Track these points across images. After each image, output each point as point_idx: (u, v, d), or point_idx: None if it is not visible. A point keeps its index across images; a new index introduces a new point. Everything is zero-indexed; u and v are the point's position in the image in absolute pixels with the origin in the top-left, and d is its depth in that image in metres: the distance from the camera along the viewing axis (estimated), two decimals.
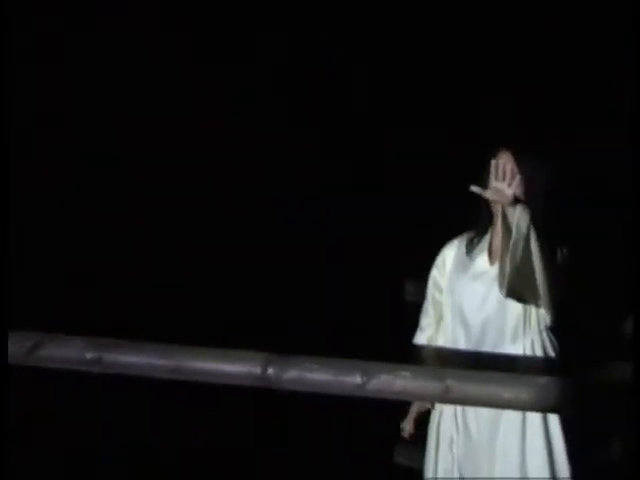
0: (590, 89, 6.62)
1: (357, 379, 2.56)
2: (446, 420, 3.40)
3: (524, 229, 3.13)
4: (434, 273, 3.54)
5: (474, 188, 3.20)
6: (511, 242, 3.13)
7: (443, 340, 3.49)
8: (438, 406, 3.44)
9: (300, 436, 4.69)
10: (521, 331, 3.32)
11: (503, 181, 3.20)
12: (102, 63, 4.96)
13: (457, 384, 2.52)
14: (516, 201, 3.18)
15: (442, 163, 5.22)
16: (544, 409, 2.55)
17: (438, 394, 2.56)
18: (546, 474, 3.24)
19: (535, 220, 3.15)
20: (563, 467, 3.26)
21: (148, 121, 5.10)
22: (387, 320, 3.79)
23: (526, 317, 3.32)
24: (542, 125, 5.59)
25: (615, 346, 4.90)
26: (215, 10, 5.39)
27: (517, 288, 3.23)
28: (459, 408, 3.33)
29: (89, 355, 2.60)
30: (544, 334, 3.33)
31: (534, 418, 3.25)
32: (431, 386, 2.56)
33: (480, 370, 2.59)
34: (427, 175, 5.26)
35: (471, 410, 3.30)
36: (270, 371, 2.58)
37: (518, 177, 3.23)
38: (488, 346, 3.32)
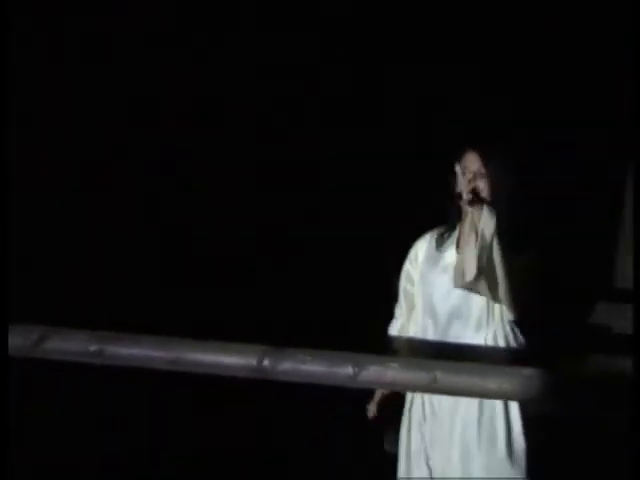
0: (563, 91, 6.75)
1: (349, 370, 2.65)
2: (416, 403, 3.54)
3: (488, 238, 3.31)
4: (407, 266, 3.69)
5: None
6: (476, 249, 3.31)
7: (414, 329, 3.63)
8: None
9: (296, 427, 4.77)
10: (484, 322, 3.47)
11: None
12: (102, 63, 5.00)
13: (444, 375, 2.62)
14: (482, 202, 3.36)
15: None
16: (527, 399, 2.65)
17: (426, 385, 2.66)
18: (504, 458, 3.40)
19: (500, 221, 3.31)
20: (520, 450, 3.41)
21: (148, 120, 5.16)
22: (376, 314, 3.88)
23: (489, 309, 3.46)
24: (513, 126, 5.72)
25: (589, 340, 5.03)
26: None
27: (478, 287, 3.39)
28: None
29: (91, 348, 2.69)
30: (507, 327, 3.46)
31: (493, 402, 3.38)
32: (419, 377, 2.65)
33: (463, 362, 2.69)
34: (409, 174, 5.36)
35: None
36: (265, 363, 2.67)
37: (484, 177, 3.42)
38: (453, 335, 3.48)
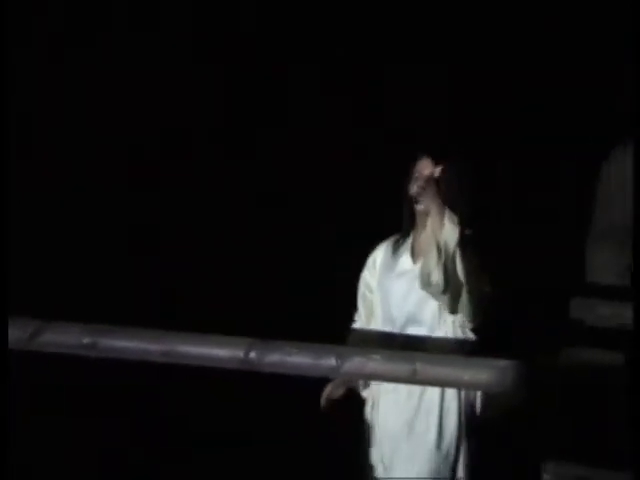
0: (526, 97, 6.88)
1: (332, 362, 2.74)
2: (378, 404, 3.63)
3: (452, 249, 3.41)
4: (365, 273, 3.76)
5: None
6: (440, 261, 3.41)
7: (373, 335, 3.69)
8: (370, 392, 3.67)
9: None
10: (436, 325, 3.55)
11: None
12: (102, 62, 5.02)
13: (424, 367, 2.73)
14: (439, 209, 3.45)
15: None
16: (502, 390, 2.75)
17: (407, 376, 2.76)
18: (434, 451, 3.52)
19: (461, 229, 3.42)
20: (452, 444, 3.53)
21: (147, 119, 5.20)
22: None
23: (441, 313, 3.54)
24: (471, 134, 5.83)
25: (561, 334, 5.14)
26: None
27: (442, 299, 3.49)
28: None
29: (85, 340, 2.78)
30: (459, 330, 3.54)
31: (432, 395, 3.50)
32: (400, 369, 2.77)
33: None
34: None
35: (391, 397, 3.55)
36: (252, 355, 2.76)
37: (436, 182, 3.51)
38: (412, 341, 3.53)
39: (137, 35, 5.21)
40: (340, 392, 3.67)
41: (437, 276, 3.40)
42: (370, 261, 3.77)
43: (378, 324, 3.69)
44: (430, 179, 3.53)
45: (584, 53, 7.88)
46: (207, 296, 4.96)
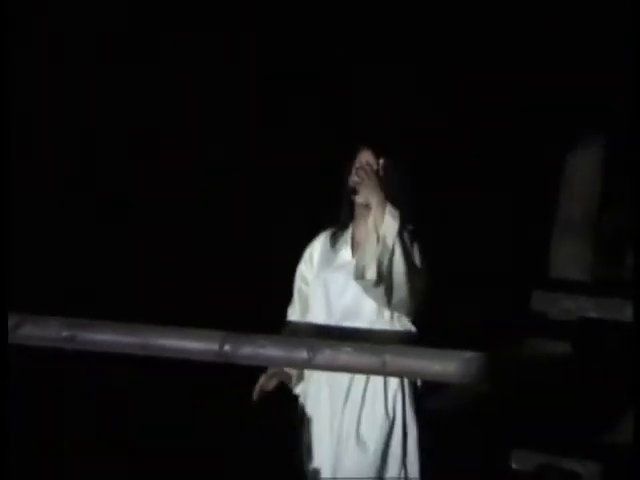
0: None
1: (304, 354, 2.81)
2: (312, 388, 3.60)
3: (390, 242, 3.35)
4: (301, 267, 3.71)
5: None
6: (377, 253, 3.35)
7: (309, 328, 3.62)
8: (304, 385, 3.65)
9: None
10: (375, 320, 3.50)
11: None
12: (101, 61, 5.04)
13: (393, 359, 2.81)
14: (381, 202, 3.41)
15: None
16: (469, 380, 2.83)
17: (377, 368, 2.84)
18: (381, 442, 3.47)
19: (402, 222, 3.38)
20: (398, 436, 3.49)
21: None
22: None
23: (380, 308, 3.48)
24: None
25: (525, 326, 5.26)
26: None
27: (375, 292, 3.42)
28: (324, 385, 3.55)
29: (64, 333, 2.85)
30: (397, 325, 3.50)
31: (377, 384, 3.46)
32: (370, 360, 2.85)
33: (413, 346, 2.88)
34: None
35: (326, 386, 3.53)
36: (227, 348, 2.83)
37: (376, 173, 3.48)
38: (347, 333, 3.47)
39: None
40: (272, 384, 3.64)
41: (372, 269, 3.34)
42: (307, 254, 3.72)
43: (314, 317, 3.61)
44: (371, 171, 3.49)
45: (549, 47, 7.99)
46: (182, 290, 5.03)
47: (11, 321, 2.86)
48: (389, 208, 3.40)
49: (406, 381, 3.50)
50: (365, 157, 3.57)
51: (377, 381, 3.46)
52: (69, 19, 4.76)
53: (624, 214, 7.61)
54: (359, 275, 3.40)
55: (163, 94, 5.32)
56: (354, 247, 3.58)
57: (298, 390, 3.67)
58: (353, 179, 3.53)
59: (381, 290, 3.39)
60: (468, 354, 2.79)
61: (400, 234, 3.37)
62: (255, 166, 5.79)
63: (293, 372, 3.64)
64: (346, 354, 2.85)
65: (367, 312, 3.51)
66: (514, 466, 4.75)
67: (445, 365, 2.77)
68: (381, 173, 3.51)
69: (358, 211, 3.58)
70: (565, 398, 5.75)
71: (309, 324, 3.61)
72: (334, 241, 3.65)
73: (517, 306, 4.82)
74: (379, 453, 3.46)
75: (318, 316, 3.60)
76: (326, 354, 2.84)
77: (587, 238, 7.67)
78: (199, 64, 5.61)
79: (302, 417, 3.62)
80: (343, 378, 3.46)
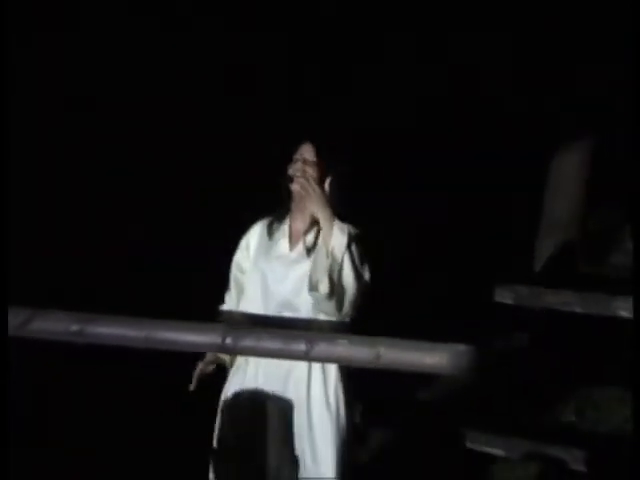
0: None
1: (302, 347, 2.91)
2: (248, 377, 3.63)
3: (339, 256, 3.45)
4: (238, 255, 3.78)
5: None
6: (327, 268, 3.44)
7: (244, 316, 3.68)
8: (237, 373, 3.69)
9: None
10: (311, 310, 3.56)
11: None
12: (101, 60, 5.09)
13: (387, 351, 2.92)
14: (327, 217, 3.49)
15: None
16: (460, 373, 2.93)
17: (371, 360, 2.92)
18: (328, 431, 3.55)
19: (341, 216, 3.50)
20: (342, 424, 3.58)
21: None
22: None
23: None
24: None
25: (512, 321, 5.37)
26: None
27: (326, 306, 3.50)
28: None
29: (72, 328, 2.93)
30: (334, 318, 3.54)
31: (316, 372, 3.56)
32: (365, 353, 2.96)
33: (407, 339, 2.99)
34: None
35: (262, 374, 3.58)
36: (228, 340, 2.92)
37: (315, 166, 3.57)
38: (283, 323, 3.53)
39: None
40: (210, 369, 3.73)
41: (324, 283, 3.42)
42: (243, 243, 3.77)
43: (250, 306, 3.65)
44: (310, 162, 3.58)
45: (530, 46, 8.09)
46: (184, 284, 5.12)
47: (22, 316, 2.94)
48: (337, 222, 3.50)
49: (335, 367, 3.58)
50: (305, 149, 3.63)
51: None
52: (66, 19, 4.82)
53: (609, 213, 7.75)
54: (312, 288, 3.46)
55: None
56: (292, 238, 3.66)
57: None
58: (292, 169, 3.61)
59: (332, 303, 3.46)
60: (460, 347, 2.88)
61: (349, 247, 3.47)
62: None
63: (226, 358, 3.70)
64: (342, 347, 2.95)
65: (304, 304, 3.56)
66: (498, 453, 4.89)
67: (437, 357, 2.86)
68: (317, 164, 3.58)
69: (295, 202, 3.66)
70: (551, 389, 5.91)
71: (245, 313, 3.65)
72: (271, 231, 3.71)
73: (502, 301, 4.92)
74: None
75: (254, 305, 3.64)
76: (322, 347, 2.93)
77: (572, 236, 7.80)
78: None
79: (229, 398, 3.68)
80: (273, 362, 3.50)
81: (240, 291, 3.76)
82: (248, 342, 2.98)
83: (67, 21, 4.92)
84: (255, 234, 3.76)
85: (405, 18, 7.30)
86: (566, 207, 7.92)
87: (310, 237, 3.61)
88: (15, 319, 2.95)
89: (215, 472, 3.70)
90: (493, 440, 4.84)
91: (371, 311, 3.59)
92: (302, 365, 3.53)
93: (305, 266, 3.54)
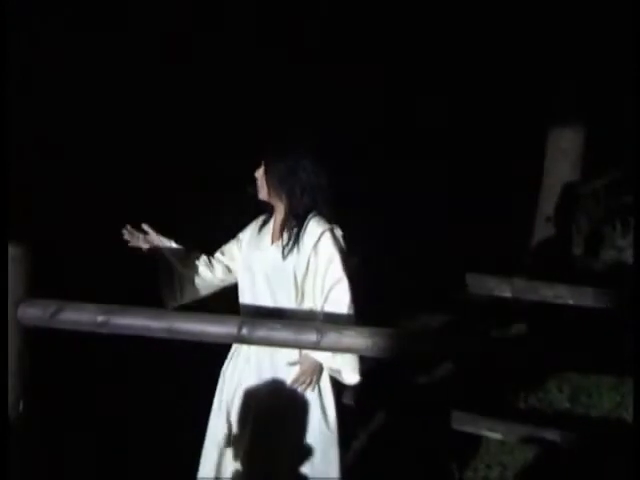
0: None
1: (313, 337, 3.09)
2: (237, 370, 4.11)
3: (310, 247, 4.00)
4: (232, 245, 4.25)
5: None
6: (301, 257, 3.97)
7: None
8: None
9: None
10: (299, 302, 4.02)
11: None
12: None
13: (382, 340, 3.10)
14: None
15: None
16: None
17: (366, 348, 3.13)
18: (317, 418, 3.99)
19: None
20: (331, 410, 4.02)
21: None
22: None
23: (298, 291, 4.00)
24: None
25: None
26: None
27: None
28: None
29: (99, 319, 3.12)
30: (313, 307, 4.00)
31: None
32: (364, 342, 3.10)
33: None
34: None
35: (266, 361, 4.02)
36: (244, 331, 3.11)
37: (262, 179, 4.05)
38: (270, 312, 4.00)
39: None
40: (146, 248, 4.16)
41: (301, 272, 3.94)
42: (239, 235, 4.23)
43: (240, 296, 4.12)
44: (260, 176, 4.08)
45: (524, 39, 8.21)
46: None
47: (51, 307, 3.12)
48: (314, 215, 4.03)
49: None
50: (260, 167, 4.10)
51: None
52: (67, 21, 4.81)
53: (600, 210, 7.92)
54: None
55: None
56: (274, 234, 4.08)
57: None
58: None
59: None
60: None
61: (321, 236, 3.95)
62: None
63: (178, 264, 4.18)
64: (349, 337, 3.11)
65: (290, 293, 3.99)
66: (496, 437, 5.09)
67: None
68: (263, 177, 4.06)
69: (274, 207, 4.12)
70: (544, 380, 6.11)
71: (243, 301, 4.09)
72: (261, 227, 4.16)
73: (501, 294, 5.11)
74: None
75: (244, 295, 4.10)
76: (332, 337, 3.11)
77: (565, 231, 7.99)
78: None
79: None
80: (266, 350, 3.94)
81: (224, 258, 4.21)
82: (262, 332, 3.16)
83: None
84: (249, 231, 4.22)
85: None
86: (559, 204, 8.11)
87: (285, 234, 4.02)
88: (46, 310, 3.12)
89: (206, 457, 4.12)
90: (493, 424, 5.04)
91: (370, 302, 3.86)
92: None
93: (285, 261, 3.98)
